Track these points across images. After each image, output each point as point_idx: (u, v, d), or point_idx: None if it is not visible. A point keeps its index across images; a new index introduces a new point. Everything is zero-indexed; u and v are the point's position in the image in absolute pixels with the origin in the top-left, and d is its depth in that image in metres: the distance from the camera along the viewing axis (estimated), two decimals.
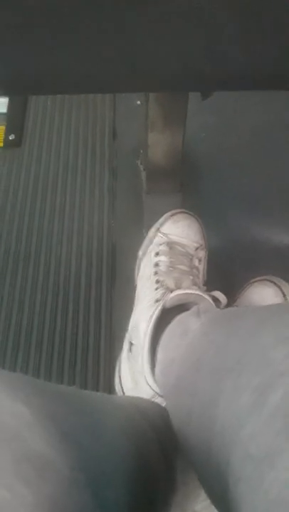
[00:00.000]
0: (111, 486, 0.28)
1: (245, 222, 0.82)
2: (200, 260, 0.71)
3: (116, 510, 0.27)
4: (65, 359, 0.76)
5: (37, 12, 0.33)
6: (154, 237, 0.72)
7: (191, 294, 0.60)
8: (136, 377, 0.60)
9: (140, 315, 0.64)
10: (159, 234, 0.72)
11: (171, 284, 0.64)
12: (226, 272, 0.75)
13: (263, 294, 0.67)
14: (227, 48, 0.37)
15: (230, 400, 0.32)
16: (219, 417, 0.32)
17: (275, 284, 0.67)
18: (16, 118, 1.01)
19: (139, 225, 0.81)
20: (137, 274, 0.73)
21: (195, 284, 0.66)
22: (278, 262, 0.77)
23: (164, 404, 0.54)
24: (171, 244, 0.69)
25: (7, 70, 0.40)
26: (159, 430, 0.44)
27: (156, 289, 0.64)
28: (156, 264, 0.68)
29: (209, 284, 0.68)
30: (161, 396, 0.55)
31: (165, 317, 0.60)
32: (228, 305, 0.61)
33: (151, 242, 0.72)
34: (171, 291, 0.61)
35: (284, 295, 0.66)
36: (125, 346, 0.67)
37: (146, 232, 0.75)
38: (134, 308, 0.68)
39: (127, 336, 0.67)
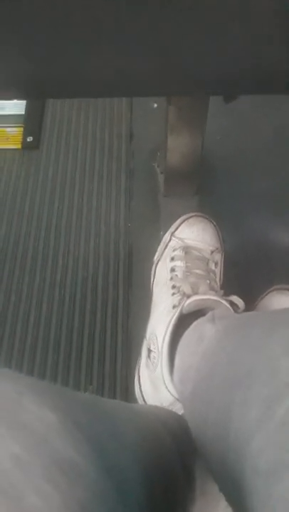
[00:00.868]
0: (133, 493, 0.28)
1: (262, 225, 0.83)
2: (216, 263, 0.71)
3: None
4: (82, 359, 0.76)
5: (56, 17, 0.34)
6: (168, 241, 0.73)
7: (208, 299, 0.61)
8: (156, 383, 0.61)
9: (158, 321, 0.64)
10: (174, 238, 0.72)
11: (188, 289, 0.64)
12: (244, 275, 0.75)
13: (281, 302, 0.67)
14: (258, 50, 0.37)
15: (240, 413, 0.32)
16: (232, 429, 0.32)
17: None
18: (33, 120, 1.02)
19: (156, 226, 0.82)
20: (153, 280, 0.73)
21: (212, 288, 0.66)
22: None
23: (181, 412, 0.54)
24: (186, 249, 0.70)
25: (22, 74, 0.40)
26: (178, 439, 0.44)
27: (173, 294, 0.65)
28: (172, 270, 0.68)
29: (227, 288, 0.69)
30: (180, 402, 0.55)
31: (183, 323, 0.60)
32: (246, 310, 0.61)
33: (166, 246, 0.73)
34: (188, 297, 0.61)
35: None
36: (144, 353, 0.67)
37: (164, 234, 0.76)
38: (151, 314, 0.69)
39: (145, 342, 0.67)
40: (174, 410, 0.56)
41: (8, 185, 0.95)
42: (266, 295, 0.70)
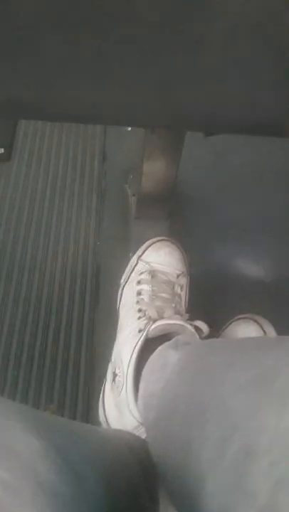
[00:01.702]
0: None
1: (229, 253, 0.85)
2: (182, 287, 0.72)
3: None
4: (43, 377, 0.76)
5: (37, 37, 0.34)
6: (135, 264, 0.74)
7: (174, 324, 0.62)
8: (120, 407, 0.61)
9: (123, 345, 0.65)
10: (140, 262, 0.73)
11: (153, 313, 0.65)
12: (208, 301, 0.77)
13: (245, 331, 0.69)
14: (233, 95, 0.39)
15: (196, 452, 0.32)
16: (190, 467, 0.32)
17: (257, 322, 0.68)
18: (6, 132, 1.01)
19: (125, 248, 0.83)
20: (120, 303, 0.74)
21: (177, 312, 0.67)
22: (261, 294, 0.80)
23: (145, 436, 0.54)
24: (153, 273, 0.71)
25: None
26: (143, 464, 0.45)
27: (139, 318, 0.66)
28: (139, 293, 0.69)
29: (193, 312, 0.70)
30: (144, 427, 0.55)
31: (148, 347, 0.60)
32: (210, 336, 0.63)
33: (132, 269, 0.74)
34: (154, 321, 0.62)
35: (265, 334, 0.69)
36: (109, 377, 0.67)
37: (133, 256, 0.77)
38: (116, 337, 0.69)
39: (111, 366, 0.68)
40: (138, 434, 0.56)
41: None
42: (231, 323, 0.71)
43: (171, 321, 0.63)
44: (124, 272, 0.77)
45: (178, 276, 0.72)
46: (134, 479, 0.42)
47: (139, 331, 0.64)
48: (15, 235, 0.89)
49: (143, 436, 0.55)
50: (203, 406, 0.34)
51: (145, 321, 0.64)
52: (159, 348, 0.59)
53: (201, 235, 0.86)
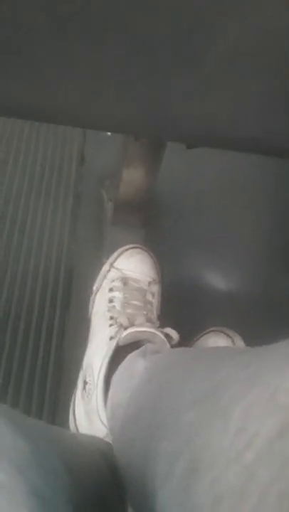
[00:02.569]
0: None
1: (202, 264, 0.86)
2: (154, 295, 0.73)
3: None
4: (10, 380, 0.74)
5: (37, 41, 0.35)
6: (107, 272, 0.74)
7: (144, 331, 0.62)
8: (90, 415, 0.61)
9: (94, 352, 0.65)
10: (112, 269, 0.74)
11: (124, 321, 0.65)
12: (180, 310, 0.78)
13: (216, 344, 0.70)
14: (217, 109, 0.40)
15: (152, 467, 0.32)
16: (147, 481, 0.32)
17: (228, 336, 0.69)
18: None
19: (99, 253, 0.83)
20: (92, 309, 0.74)
21: (149, 319, 0.67)
22: (231, 306, 0.81)
23: None
24: (124, 280, 0.71)
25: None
26: (114, 471, 0.45)
27: (111, 325, 0.66)
28: (111, 301, 0.70)
29: (164, 320, 0.71)
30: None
31: (119, 354, 0.61)
32: (183, 345, 0.63)
33: (105, 276, 0.74)
34: (125, 329, 0.63)
35: None
36: (79, 384, 0.67)
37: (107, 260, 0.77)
38: (88, 344, 0.69)
39: (82, 373, 0.68)
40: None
41: None
42: (202, 336, 0.72)
43: (142, 328, 0.63)
44: (97, 276, 0.77)
45: (149, 283, 0.73)
46: (106, 486, 0.42)
47: (110, 338, 0.64)
48: None
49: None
50: (160, 421, 0.34)
51: (116, 329, 0.64)
52: (128, 356, 0.59)
53: (175, 245, 0.87)
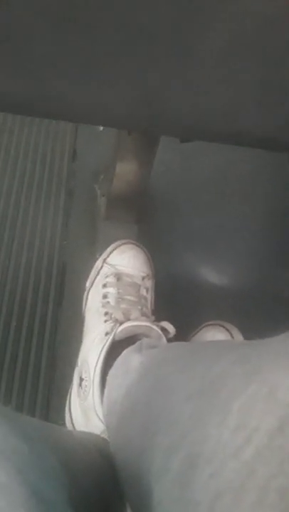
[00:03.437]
0: None
1: (195, 259, 0.86)
2: (148, 289, 0.73)
3: None
4: (2, 377, 0.74)
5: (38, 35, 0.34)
6: (100, 268, 0.74)
7: (140, 325, 0.62)
8: (86, 412, 0.61)
9: (90, 349, 0.65)
10: (106, 265, 0.73)
11: (119, 316, 0.65)
12: (174, 305, 0.78)
13: (215, 338, 0.70)
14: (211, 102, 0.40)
15: (147, 463, 0.32)
16: (143, 476, 0.32)
17: (226, 329, 0.69)
18: None
19: (92, 248, 0.82)
20: (85, 306, 0.73)
21: (144, 314, 0.67)
22: (225, 301, 0.81)
23: None
24: (118, 275, 0.71)
25: None
26: (113, 468, 0.45)
27: (106, 321, 0.66)
28: (105, 296, 0.69)
29: (158, 314, 0.71)
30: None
31: (115, 350, 0.60)
32: (180, 340, 0.63)
33: (98, 273, 0.74)
34: (120, 324, 0.62)
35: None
36: (75, 381, 0.67)
37: (100, 256, 0.76)
38: (83, 341, 0.69)
39: (77, 370, 0.67)
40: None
41: None
42: (200, 330, 0.72)
43: (138, 322, 0.63)
44: (90, 273, 0.76)
45: (143, 278, 0.73)
46: (105, 483, 0.42)
47: (106, 334, 0.63)
48: None
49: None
50: (156, 415, 0.34)
51: (112, 324, 0.64)
52: (124, 351, 0.59)
53: (168, 240, 0.86)
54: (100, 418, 0.57)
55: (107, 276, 0.72)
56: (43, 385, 0.74)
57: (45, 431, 0.34)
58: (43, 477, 0.24)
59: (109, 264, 0.73)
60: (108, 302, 0.68)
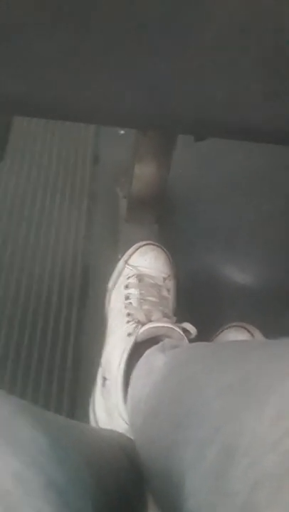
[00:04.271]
0: None
1: (217, 259, 0.86)
2: (169, 290, 0.73)
3: None
4: (29, 377, 0.75)
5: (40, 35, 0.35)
6: (122, 269, 0.75)
7: (162, 327, 0.63)
8: (110, 411, 0.61)
9: (113, 349, 0.65)
10: (127, 266, 0.74)
11: (142, 317, 0.65)
12: (196, 305, 0.77)
13: (236, 339, 0.70)
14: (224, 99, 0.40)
15: (178, 456, 0.32)
16: (173, 470, 0.33)
17: (248, 331, 0.69)
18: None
19: (114, 250, 0.83)
20: (108, 306, 0.74)
21: (165, 315, 0.68)
22: (248, 301, 0.80)
23: None
24: (140, 277, 0.72)
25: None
26: (134, 464, 0.46)
27: (128, 322, 0.66)
28: (127, 297, 0.70)
29: (180, 314, 0.71)
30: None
31: (138, 351, 0.61)
32: (202, 341, 0.63)
33: (120, 274, 0.75)
34: (142, 325, 0.63)
35: None
36: (99, 381, 0.68)
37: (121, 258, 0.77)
38: (105, 341, 0.70)
39: (100, 370, 0.68)
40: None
41: None
42: (222, 331, 0.72)
43: (160, 323, 0.63)
44: (112, 274, 0.77)
45: (164, 279, 0.73)
46: (126, 479, 0.43)
47: (128, 335, 0.64)
48: (5, 234, 0.89)
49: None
50: (186, 410, 0.34)
51: (134, 325, 0.65)
52: (147, 352, 0.59)
53: (189, 240, 0.87)
54: (123, 418, 0.58)
55: (129, 278, 0.72)
56: (69, 385, 0.75)
57: (69, 428, 0.35)
58: (63, 471, 0.25)
59: (131, 266, 0.74)
60: (130, 303, 0.69)
